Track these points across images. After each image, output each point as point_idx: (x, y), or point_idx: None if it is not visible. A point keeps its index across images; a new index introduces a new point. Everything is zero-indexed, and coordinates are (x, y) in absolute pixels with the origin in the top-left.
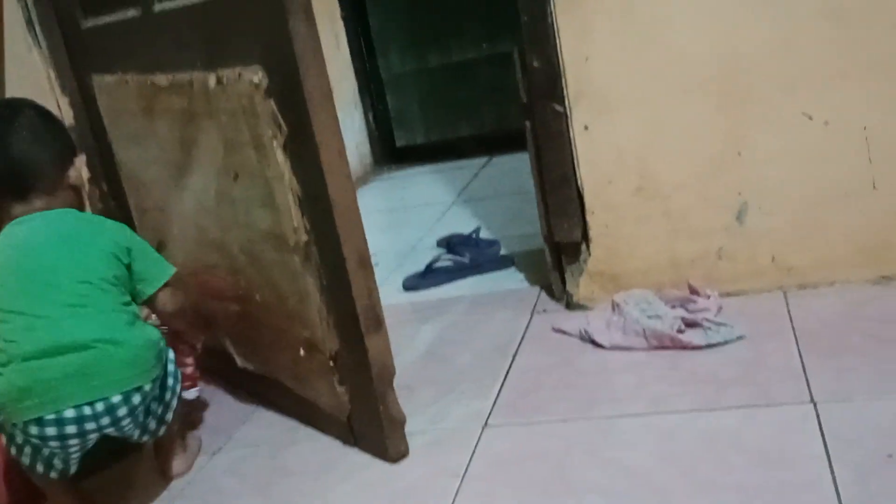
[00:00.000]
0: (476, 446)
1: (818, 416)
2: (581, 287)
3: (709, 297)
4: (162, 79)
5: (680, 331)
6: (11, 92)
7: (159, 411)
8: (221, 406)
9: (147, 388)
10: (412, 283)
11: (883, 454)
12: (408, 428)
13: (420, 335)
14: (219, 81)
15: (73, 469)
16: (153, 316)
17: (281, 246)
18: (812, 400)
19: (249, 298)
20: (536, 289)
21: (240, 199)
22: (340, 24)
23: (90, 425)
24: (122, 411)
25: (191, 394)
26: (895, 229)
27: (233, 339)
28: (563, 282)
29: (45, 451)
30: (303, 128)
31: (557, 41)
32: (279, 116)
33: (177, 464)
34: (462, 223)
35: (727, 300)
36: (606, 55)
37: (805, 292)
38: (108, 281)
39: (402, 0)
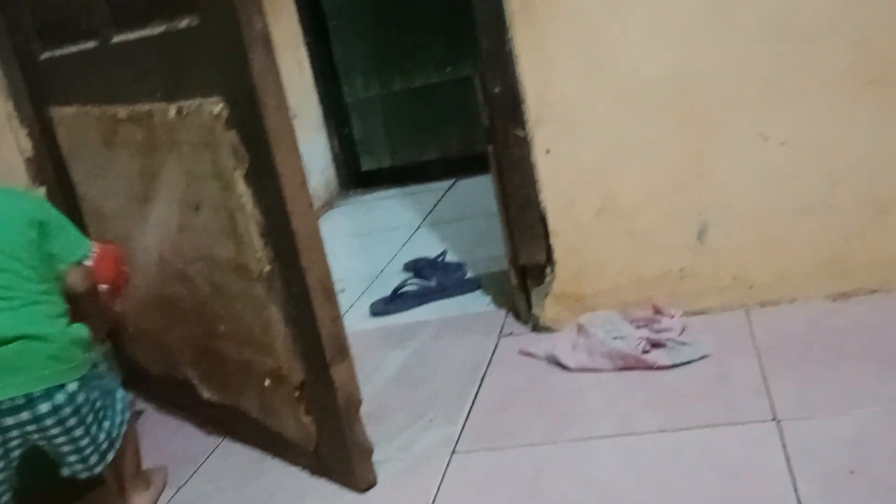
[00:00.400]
0: (445, 472)
1: (781, 432)
2: (547, 309)
3: (672, 316)
4: (121, 110)
5: (645, 351)
6: None
7: (98, 435)
8: (187, 438)
9: (72, 387)
10: (379, 309)
11: (846, 469)
12: (376, 456)
13: (388, 361)
14: (179, 112)
15: None
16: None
17: (244, 276)
18: (774, 417)
19: (213, 329)
20: (503, 311)
21: (202, 230)
22: (304, 50)
23: (9, 420)
24: (44, 408)
25: None
26: (853, 245)
27: (197, 370)
28: (529, 304)
29: None
30: (264, 158)
31: (517, 66)
32: (241, 147)
33: (139, 499)
34: (429, 247)
35: (691, 318)
36: (566, 79)
37: (766, 309)
38: (26, 263)
39: (365, 25)
